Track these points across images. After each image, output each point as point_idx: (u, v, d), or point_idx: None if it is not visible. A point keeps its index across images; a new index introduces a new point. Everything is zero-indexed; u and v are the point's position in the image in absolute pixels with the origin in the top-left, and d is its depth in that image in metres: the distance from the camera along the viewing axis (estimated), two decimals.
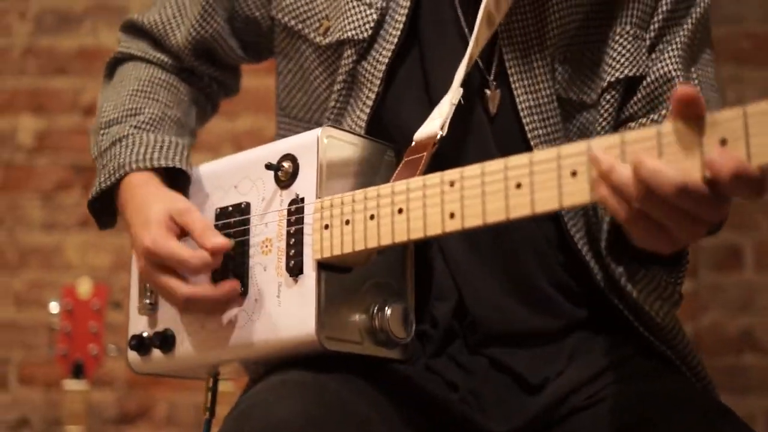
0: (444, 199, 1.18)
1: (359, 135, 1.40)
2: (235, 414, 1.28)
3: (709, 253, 3.12)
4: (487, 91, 1.43)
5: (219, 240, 1.34)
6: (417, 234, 1.21)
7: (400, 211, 1.22)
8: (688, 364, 1.45)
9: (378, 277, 1.36)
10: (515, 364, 1.41)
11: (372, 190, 1.27)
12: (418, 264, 1.41)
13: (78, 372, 2.57)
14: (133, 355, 1.51)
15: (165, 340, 1.46)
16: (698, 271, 3.18)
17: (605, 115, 1.44)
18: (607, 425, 1.33)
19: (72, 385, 2.55)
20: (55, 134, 3.45)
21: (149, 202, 1.41)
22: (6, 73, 3.47)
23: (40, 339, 3.33)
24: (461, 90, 1.36)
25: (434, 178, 1.20)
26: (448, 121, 1.35)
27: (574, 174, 1.08)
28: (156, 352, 1.48)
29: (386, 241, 1.24)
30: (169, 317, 1.47)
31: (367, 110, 1.44)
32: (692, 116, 1.02)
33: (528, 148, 1.41)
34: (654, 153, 1.04)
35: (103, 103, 1.59)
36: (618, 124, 1.47)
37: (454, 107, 1.36)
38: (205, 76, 1.69)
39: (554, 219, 1.43)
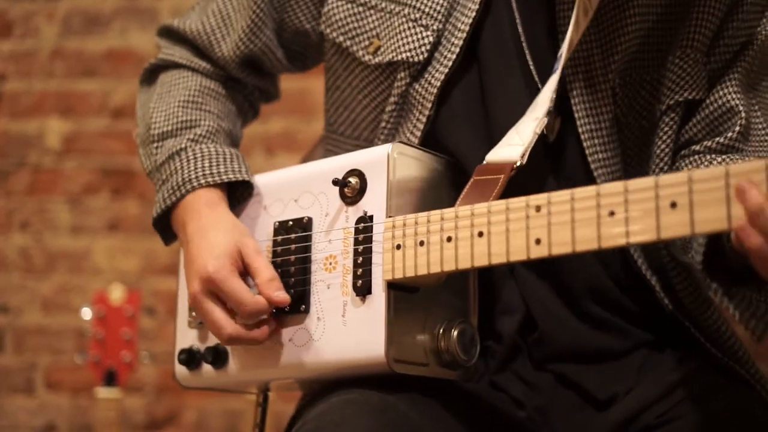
0: (529, 224, 1.15)
1: (427, 151, 1.37)
2: None
3: None
4: (545, 119, 1.38)
5: (282, 295, 1.33)
6: (499, 259, 1.18)
7: (480, 234, 1.19)
8: (753, 376, 1.44)
9: (443, 297, 1.34)
10: (583, 381, 1.39)
11: (449, 212, 1.23)
12: (482, 279, 1.39)
13: (110, 379, 2.56)
14: (181, 369, 1.48)
15: (217, 356, 1.44)
16: None
17: (664, 137, 1.42)
18: None
19: (104, 392, 2.53)
20: (84, 137, 3.42)
21: (216, 228, 1.39)
22: (34, 76, 3.44)
23: (67, 344, 3.31)
24: (546, 120, 1.33)
25: (519, 202, 1.17)
26: (529, 150, 1.32)
27: (674, 205, 1.04)
28: (206, 367, 1.45)
29: (465, 264, 1.21)
30: None
31: (418, 133, 1.42)
32: None
33: (587, 174, 1.39)
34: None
35: (152, 114, 1.56)
36: (678, 147, 1.45)
37: (536, 137, 1.32)
38: (249, 85, 1.66)
39: None
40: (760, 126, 1.44)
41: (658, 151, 1.42)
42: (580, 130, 1.38)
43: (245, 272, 1.36)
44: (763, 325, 1.34)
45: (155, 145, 1.52)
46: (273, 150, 3.31)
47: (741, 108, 1.41)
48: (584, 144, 1.38)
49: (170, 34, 1.66)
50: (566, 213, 1.12)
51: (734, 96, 1.42)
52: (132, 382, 3.17)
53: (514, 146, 1.32)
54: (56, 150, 3.43)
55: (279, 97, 1.74)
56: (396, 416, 1.24)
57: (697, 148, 1.43)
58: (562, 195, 1.13)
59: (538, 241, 1.14)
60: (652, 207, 1.05)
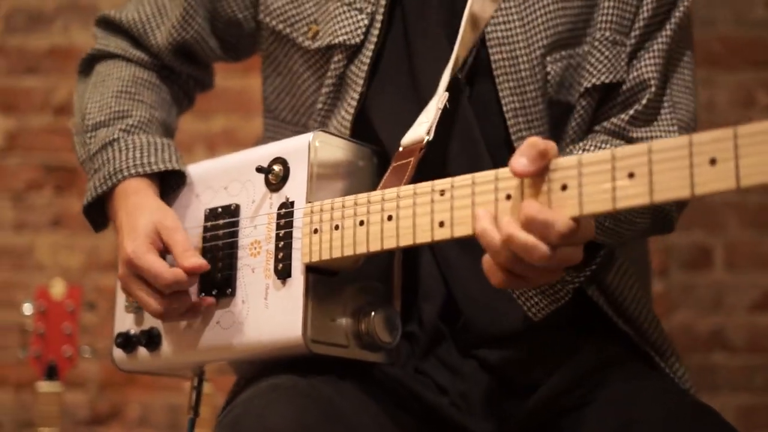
0: (434, 208, 1.19)
1: (349, 140, 1.41)
2: (226, 422, 1.28)
3: (679, 252, 3.15)
4: (446, 93, 1.40)
5: (196, 261, 1.36)
6: (406, 241, 1.22)
7: (390, 218, 1.23)
8: (670, 365, 1.48)
9: (365, 280, 1.38)
10: (505, 366, 1.42)
11: (362, 197, 1.28)
12: (408, 265, 1.42)
13: (51, 373, 2.53)
14: (118, 352, 1.52)
15: (151, 339, 1.47)
16: (669, 271, 3.21)
17: (578, 119, 1.45)
18: (594, 426, 1.35)
19: (45, 386, 2.51)
20: (26, 134, 3.41)
21: (139, 212, 1.42)
22: None
23: (11, 340, 3.29)
24: (446, 94, 1.37)
25: (425, 186, 1.21)
26: (434, 125, 1.35)
27: (564, 188, 1.10)
28: (142, 351, 1.49)
29: (375, 247, 1.25)
30: None
31: (352, 111, 1.46)
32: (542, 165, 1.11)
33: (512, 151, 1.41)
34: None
35: (87, 104, 1.58)
36: (591, 125, 1.48)
37: (440, 111, 1.36)
38: (183, 74, 1.69)
39: None
40: (666, 114, 1.47)
41: (571, 132, 1.45)
42: (504, 108, 1.41)
43: (167, 251, 1.40)
44: (546, 300, 1.39)
45: (89, 134, 1.54)
46: (215, 147, 3.32)
47: (652, 81, 1.44)
48: (508, 122, 1.41)
49: (107, 24, 1.68)
50: (467, 197, 1.16)
51: (649, 69, 1.45)
52: (75, 377, 3.15)
53: (422, 125, 1.36)
54: None
55: (213, 86, 1.76)
56: (321, 401, 1.27)
57: (597, 127, 1.47)
58: (464, 179, 1.18)
59: (441, 224, 1.18)
60: (545, 190, 1.11)
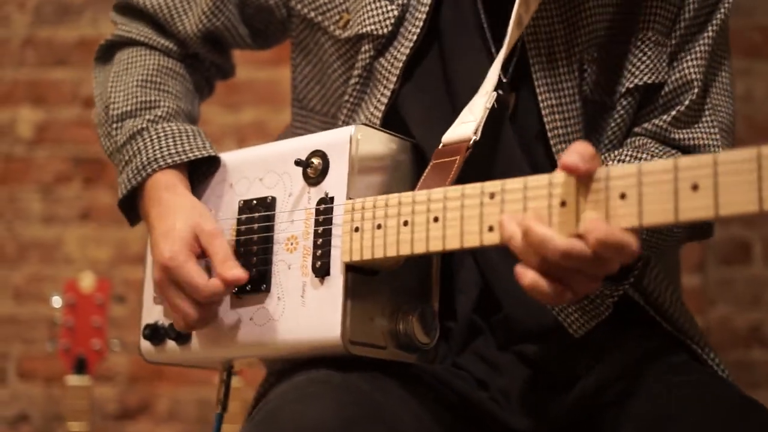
0: (483, 212, 1.15)
1: (391, 133, 1.38)
2: (261, 415, 1.25)
3: (717, 247, 3.12)
4: (499, 92, 1.38)
5: (238, 272, 1.33)
6: (453, 244, 1.18)
7: (436, 219, 1.20)
8: (711, 359, 1.47)
9: (403, 279, 1.34)
10: (545, 361, 1.40)
11: (406, 196, 1.24)
12: (443, 259, 1.39)
13: (80, 367, 2.54)
14: (146, 344, 1.49)
15: (181, 333, 1.44)
16: (707, 266, 3.17)
17: (618, 120, 1.44)
18: (635, 420, 1.33)
19: (74, 380, 2.52)
20: (55, 126, 3.42)
21: (175, 212, 1.39)
22: (5, 65, 3.44)
23: (39, 333, 3.31)
24: (495, 94, 1.34)
25: (474, 188, 1.17)
26: (482, 125, 1.33)
27: (623, 196, 1.05)
28: (170, 343, 1.46)
29: (420, 249, 1.22)
30: None
31: (382, 107, 1.43)
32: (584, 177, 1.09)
33: (547, 149, 1.40)
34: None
35: (110, 94, 1.54)
36: (631, 127, 1.47)
37: (488, 111, 1.33)
38: (207, 61, 1.65)
39: None
40: (707, 117, 1.46)
41: (610, 133, 1.44)
42: (541, 105, 1.39)
43: (204, 254, 1.37)
44: (585, 318, 1.37)
45: (115, 125, 1.50)
46: (245, 139, 3.31)
47: (696, 83, 1.43)
48: (544, 119, 1.39)
49: (128, 9, 1.63)
50: (519, 201, 1.12)
51: (692, 70, 1.44)
52: (104, 371, 3.17)
53: (467, 123, 1.33)
54: (28, 139, 3.43)
55: (234, 73, 1.72)
56: (360, 396, 1.25)
57: (637, 129, 1.45)
58: (515, 183, 1.14)
59: (491, 229, 1.14)
60: (603, 198, 1.06)
